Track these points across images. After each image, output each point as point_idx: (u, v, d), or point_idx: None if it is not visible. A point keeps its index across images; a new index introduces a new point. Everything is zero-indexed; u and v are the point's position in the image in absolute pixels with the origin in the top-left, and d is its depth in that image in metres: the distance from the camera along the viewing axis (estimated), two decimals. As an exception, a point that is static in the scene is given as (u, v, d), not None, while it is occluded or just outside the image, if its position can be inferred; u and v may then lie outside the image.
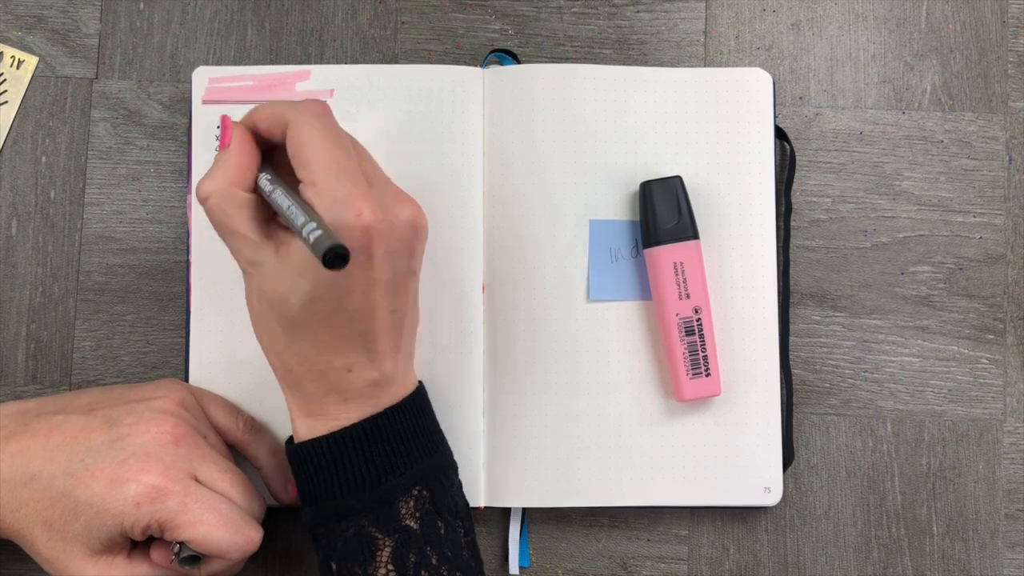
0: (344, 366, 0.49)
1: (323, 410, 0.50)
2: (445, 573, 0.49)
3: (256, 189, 0.49)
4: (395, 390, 0.51)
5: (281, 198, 0.47)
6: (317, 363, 0.49)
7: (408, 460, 0.49)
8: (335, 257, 0.43)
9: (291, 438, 0.52)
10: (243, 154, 0.49)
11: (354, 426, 0.49)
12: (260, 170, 0.49)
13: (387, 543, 0.48)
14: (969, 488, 0.60)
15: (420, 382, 0.53)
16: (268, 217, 0.49)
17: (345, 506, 0.49)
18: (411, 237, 0.49)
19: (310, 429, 0.50)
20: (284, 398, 0.52)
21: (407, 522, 0.49)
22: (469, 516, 0.52)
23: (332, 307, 0.48)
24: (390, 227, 0.47)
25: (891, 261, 0.61)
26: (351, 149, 0.48)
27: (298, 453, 0.50)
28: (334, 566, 0.49)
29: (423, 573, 0.48)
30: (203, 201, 0.48)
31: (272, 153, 0.51)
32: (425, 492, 0.49)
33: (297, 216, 0.45)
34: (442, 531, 0.49)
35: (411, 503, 0.49)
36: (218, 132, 0.58)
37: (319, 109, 0.48)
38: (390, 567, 0.48)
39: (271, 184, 0.48)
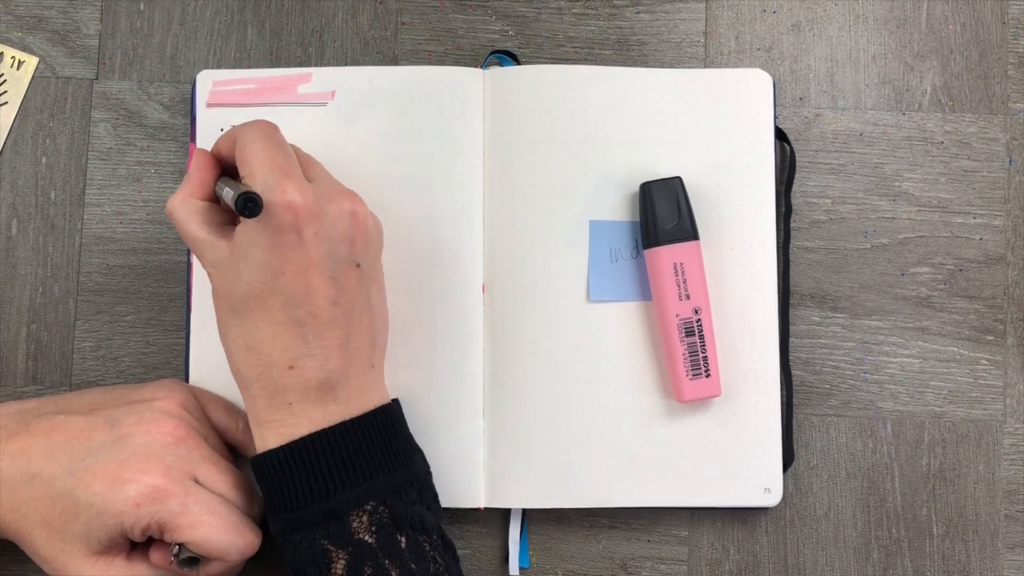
0: (285, 361, 0.49)
1: (271, 416, 0.50)
2: None
3: (216, 199, 0.53)
4: (348, 398, 0.50)
5: (221, 186, 0.51)
6: (260, 357, 0.49)
7: (362, 475, 0.49)
8: (246, 201, 0.46)
9: None
10: (199, 170, 0.53)
11: (303, 440, 0.49)
12: (219, 180, 0.53)
13: (340, 556, 0.48)
14: (969, 489, 0.60)
15: (395, 400, 0.53)
16: (226, 221, 0.52)
17: (298, 518, 0.48)
18: (348, 225, 0.50)
19: (262, 440, 0.50)
20: None
21: (361, 536, 0.48)
22: (441, 533, 0.51)
23: (268, 288, 0.48)
24: (321, 210, 0.49)
25: (891, 262, 0.61)
26: (290, 153, 0.51)
27: (254, 465, 0.50)
28: None
29: None
30: (168, 215, 0.52)
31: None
32: (382, 507, 0.49)
33: (229, 193, 0.49)
34: (403, 545, 0.49)
35: (364, 517, 0.48)
36: (221, 135, 0.59)
37: (264, 124, 0.52)
38: None
39: (222, 185, 0.52)
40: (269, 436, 0.50)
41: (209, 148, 0.53)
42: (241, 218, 0.49)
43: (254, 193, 0.46)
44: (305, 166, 0.52)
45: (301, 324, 0.49)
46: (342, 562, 0.48)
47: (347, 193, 0.51)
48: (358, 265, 0.51)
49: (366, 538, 0.48)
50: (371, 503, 0.49)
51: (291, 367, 0.49)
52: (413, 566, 0.48)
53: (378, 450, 0.50)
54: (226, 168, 0.54)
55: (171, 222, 0.52)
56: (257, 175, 0.49)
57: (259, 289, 0.48)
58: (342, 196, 0.51)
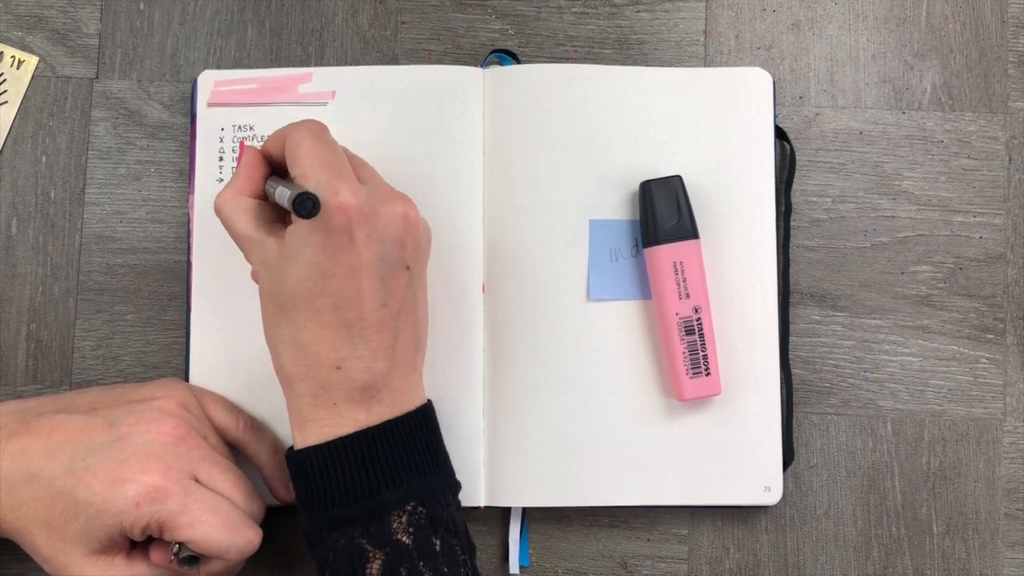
0: (332, 362, 0.49)
1: (314, 415, 0.50)
2: None
3: (264, 197, 0.53)
4: (392, 400, 0.50)
5: (273, 185, 0.51)
6: (306, 356, 0.49)
7: (404, 475, 0.49)
8: (303, 201, 0.46)
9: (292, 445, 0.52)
10: (248, 167, 0.52)
11: (347, 437, 0.49)
12: (268, 179, 0.53)
13: (377, 556, 0.48)
14: (969, 487, 0.60)
15: (429, 401, 0.53)
16: (275, 219, 0.52)
17: (337, 516, 0.48)
18: (400, 228, 0.50)
19: (304, 437, 0.50)
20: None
21: (399, 536, 0.48)
22: (468, 537, 0.51)
23: (318, 289, 0.48)
24: (374, 212, 0.49)
25: (891, 261, 0.61)
26: (342, 153, 0.51)
27: (293, 461, 0.50)
28: None
29: None
30: (216, 212, 0.52)
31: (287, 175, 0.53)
32: (421, 508, 0.49)
33: (284, 192, 0.48)
34: (437, 548, 0.49)
35: (404, 518, 0.48)
36: (222, 135, 0.59)
37: (315, 124, 0.52)
38: None
39: (273, 183, 0.51)
40: (311, 434, 0.50)
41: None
42: (294, 217, 0.48)
43: (311, 193, 0.46)
44: (356, 168, 0.52)
45: (349, 326, 0.49)
46: (378, 562, 0.48)
47: (399, 196, 0.51)
48: (408, 268, 0.51)
49: (403, 539, 0.48)
50: (411, 503, 0.49)
51: (338, 368, 0.49)
52: (445, 570, 0.48)
53: (419, 450, 0.50)
54: (274, 168, 0.54)
55: (219, 218, 0.52)
56: (310, 175, 0.49)
57: (308, 289, 0.49)
58: (394, 198, 0.51)
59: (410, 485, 0.49)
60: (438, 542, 0.49)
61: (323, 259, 0.48)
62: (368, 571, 0.48)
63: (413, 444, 0.50)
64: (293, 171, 0.50)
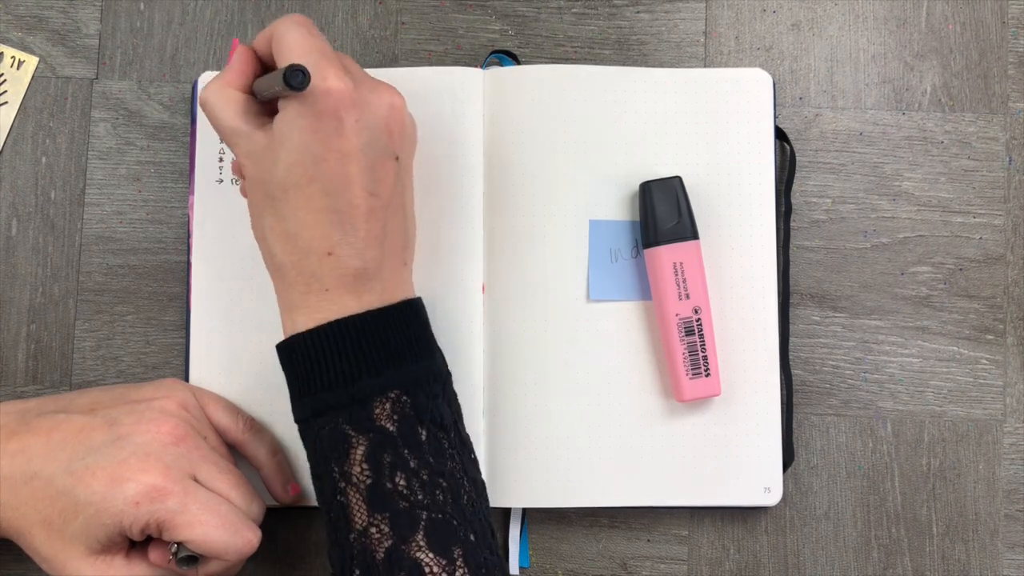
0: (324, 248, 0.49)
1: (306, 302, 0.50)
2: (425, 477, 0.48)
3: (253, 93, 0.52)
4: (383, 290, 0.50)
5: (259, 82, 0.51)
6: (298, 244, 0.49)
7: (387, 363, 0.49)
8: (294, 72, 0.46)
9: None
10: (239, 62, 0.52)
11: (334, 323, 0.49)
12: (256, 79, 0.52)
13: (361, 441, 0.48)
14: (969, 488, 0.60)
15: (419, 298, 0.53)
16: (261, 113, 0.52)
17: (322, 401, 0.49)
18: (387, 116, 0.50)
19: (293, 324, 0.50)
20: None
21: (382, 423, 0.48)
22: (458, 429, 0.51)
23: (308, 175, 0.48)
24: (362, 98, 0.49)
25: (891, 262, 0.61)
26: (327, 42, 0.51)
27: (282, 349, 0.50)
28: (315, 463, 0.49)
29: (399, 474, 0.48)
30: (202, 105, 0.51)
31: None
32: (405, 397, 0.49)
33: (271, 81, 0.49)
34: (423, 437, 0.49)
35: (387, 405, 0.48)
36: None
37: (300, 17, 0.51)
38: (364, 466, 0.48)
39: (260, 81, 0.51)
40: (300, 320, 0.50)
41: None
42: (281, 104, 0.49)
43: (301, 65, 0.46)
44: (343, 60, 0.52)
45: (339, 212, 0.49)
46: (362, 448, 0.48)
47: (386, 85, 0.52)
48: (396, 159, 0.51)
49: (387, 426, 0.48)
50: (395, 391, 0.49)
51: (329, 253, 0.49)
52: (431, 459, 0.48)
53: (405, 340, 0.50)
54: (264, 68, 0.53)
55: (204, 112, 0.51)
56: (297, 62, 0.48)
57: (299, 175, 0.49)
58: (381, 87, 0.51)
59: (393, 373, 0.49)
60: (424, 432, 0.49)
61: (313, 143, 0.48)
62: (352, 457, 0.48)
63: (400, 334, 0.50)
64: (280, 60, 0.50)
